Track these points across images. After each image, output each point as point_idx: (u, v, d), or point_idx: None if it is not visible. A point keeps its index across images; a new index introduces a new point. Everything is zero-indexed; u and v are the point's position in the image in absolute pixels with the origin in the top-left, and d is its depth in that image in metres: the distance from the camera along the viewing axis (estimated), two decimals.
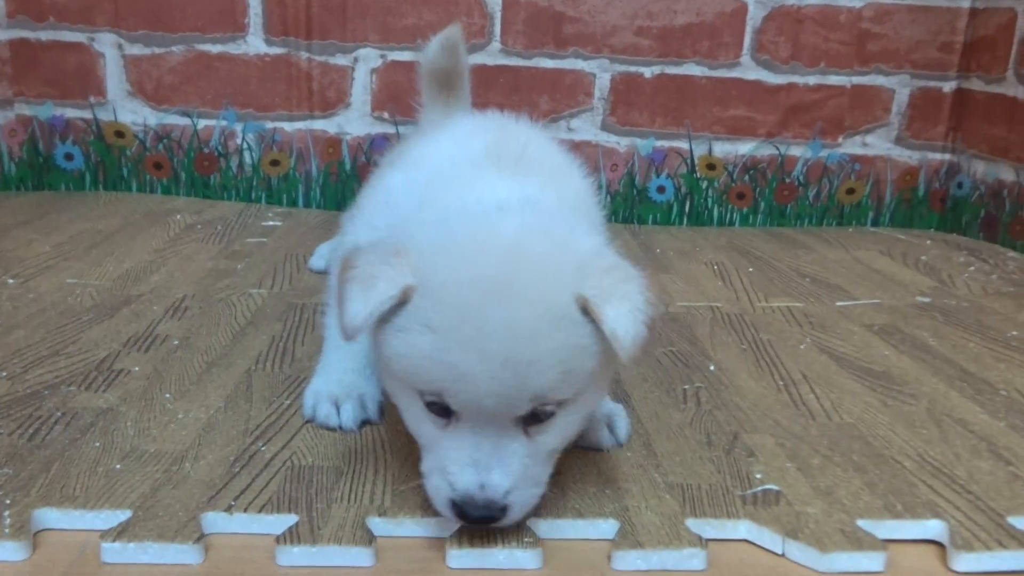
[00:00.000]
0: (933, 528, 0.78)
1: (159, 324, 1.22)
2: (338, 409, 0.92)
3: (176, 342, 1.16)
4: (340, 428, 0.92)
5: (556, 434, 0.73)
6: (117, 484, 0.79)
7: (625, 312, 0.68)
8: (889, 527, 0.77)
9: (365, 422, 0.93)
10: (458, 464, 0.70)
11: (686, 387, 1.08)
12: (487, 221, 0.73)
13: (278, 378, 1.05)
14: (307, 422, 0.93)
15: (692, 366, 1.15)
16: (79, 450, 0.85)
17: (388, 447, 0.89)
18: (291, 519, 0.74)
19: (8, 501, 0.75)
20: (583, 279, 0.69)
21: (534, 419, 0.71)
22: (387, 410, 0.97)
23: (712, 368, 1.15)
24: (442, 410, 0.71)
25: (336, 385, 0.95)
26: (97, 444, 0.86)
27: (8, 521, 0.72)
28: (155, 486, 0.79)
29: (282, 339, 1.19)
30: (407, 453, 0.87)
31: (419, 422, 0.74)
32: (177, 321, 1.24)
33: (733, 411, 1.01)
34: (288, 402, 0.98)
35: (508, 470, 0.70)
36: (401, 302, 0.69)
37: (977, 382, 1.12)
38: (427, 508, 0.74)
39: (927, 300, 1.48)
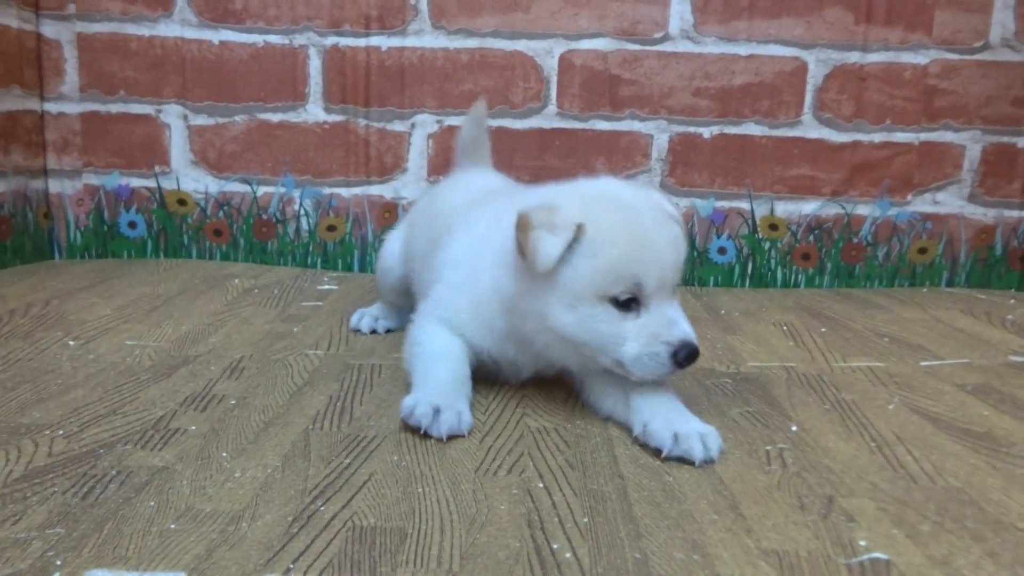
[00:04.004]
0: None
1: (216, 384, 1.19)
2: (435, 416, 0.99)
3: (233, 401, 1.12)
4: (427, 433, 0.98)
5: None
6: (171, 545, 0.74)
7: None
8: None
9: (452, 437, 1.00)
10: (666, 327, 0.97)
11: (768, 448, 1.00)
12: (606, 184, 1.09)
13: (336, 437, 1.01)
14: (402, 421, 1.02)
15: (772, 427, 1.08)
16: (133, 509, 0.81)
17: (453, 506, 0.83)
18: None
19: (59, 562, 0.71)
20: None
21: None
22: (449, 464, 0.91)
23: (794, 428, 1.07)
24: (629, 304, 0.98)
25: (436, 396, 1.02)
26: (151, 503, 0.82)
27: None
28: (210, 547, 0.74)
29: (340, 398, 1.15)
30: (473, 513, 0.81)
31: (606, 324, 0.98)
32: (234, 381, 1.21)
33: (824, 473, 0.93)
34: (348, 461, 0.94)
35: (687, 322, 1.00)
36: (575, 237, 0.98)
37: None
38: (501, 566, 0.68)
39: (1023, 359, 1.39)
